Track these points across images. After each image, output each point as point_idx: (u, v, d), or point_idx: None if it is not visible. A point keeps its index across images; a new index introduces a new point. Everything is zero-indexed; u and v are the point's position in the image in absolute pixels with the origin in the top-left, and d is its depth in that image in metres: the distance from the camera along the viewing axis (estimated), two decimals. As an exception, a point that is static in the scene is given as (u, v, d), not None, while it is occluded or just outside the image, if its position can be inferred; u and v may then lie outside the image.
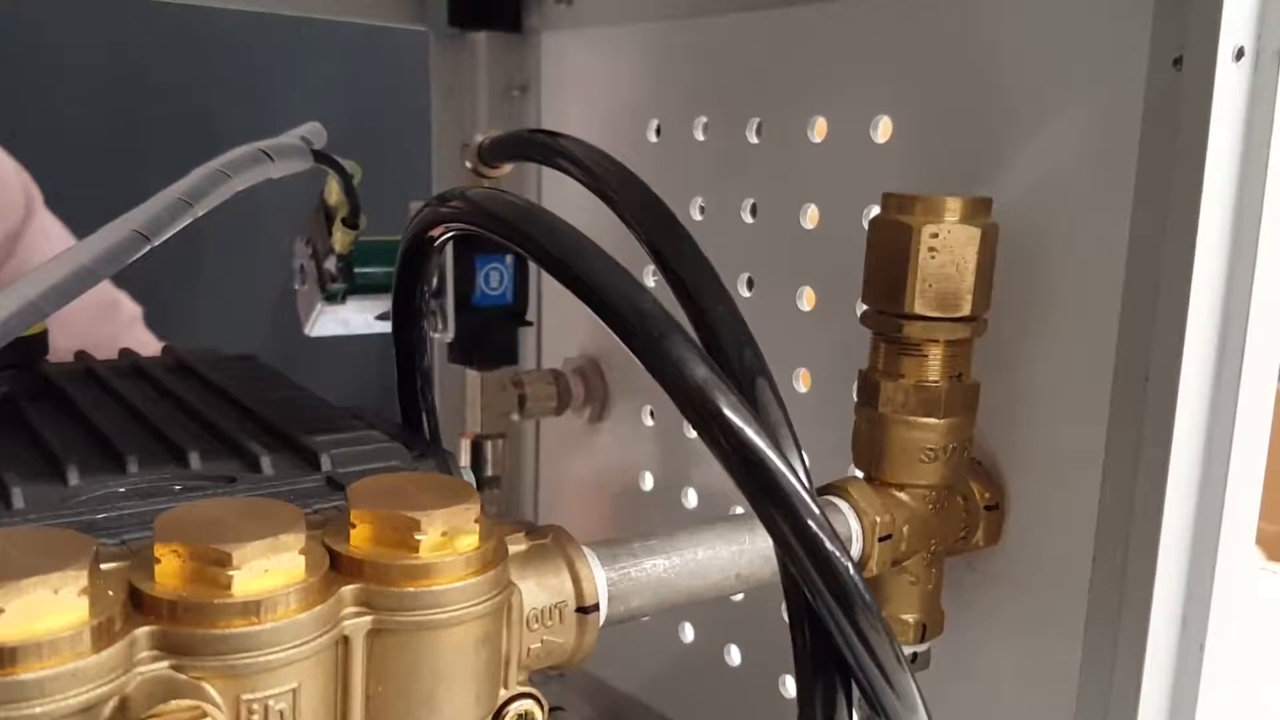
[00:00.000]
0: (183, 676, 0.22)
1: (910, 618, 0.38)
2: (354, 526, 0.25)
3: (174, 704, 0.21)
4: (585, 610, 0.28)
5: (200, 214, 0.34)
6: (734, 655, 0.52)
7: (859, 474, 0.39)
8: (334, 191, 0.48)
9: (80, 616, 0.21)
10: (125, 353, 0.46)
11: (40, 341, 0.42)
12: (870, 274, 0.38)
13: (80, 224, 0.92)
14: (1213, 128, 0.32)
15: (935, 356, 0.37)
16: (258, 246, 0.87)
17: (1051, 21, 0.37)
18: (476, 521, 0.26)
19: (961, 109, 0.40)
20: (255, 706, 0.23)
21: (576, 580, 0.28)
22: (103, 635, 0.21)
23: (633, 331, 0.26)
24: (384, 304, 0.47)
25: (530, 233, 0.28)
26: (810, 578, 0.26)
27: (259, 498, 0.26)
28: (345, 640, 0.24)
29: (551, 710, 0.28)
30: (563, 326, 0.61)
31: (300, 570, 0.23)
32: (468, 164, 0.48)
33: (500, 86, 0.63)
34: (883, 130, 0.43)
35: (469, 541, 0.26)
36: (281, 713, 0.23)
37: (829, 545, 0.25)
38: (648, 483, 0.57)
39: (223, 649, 0.22)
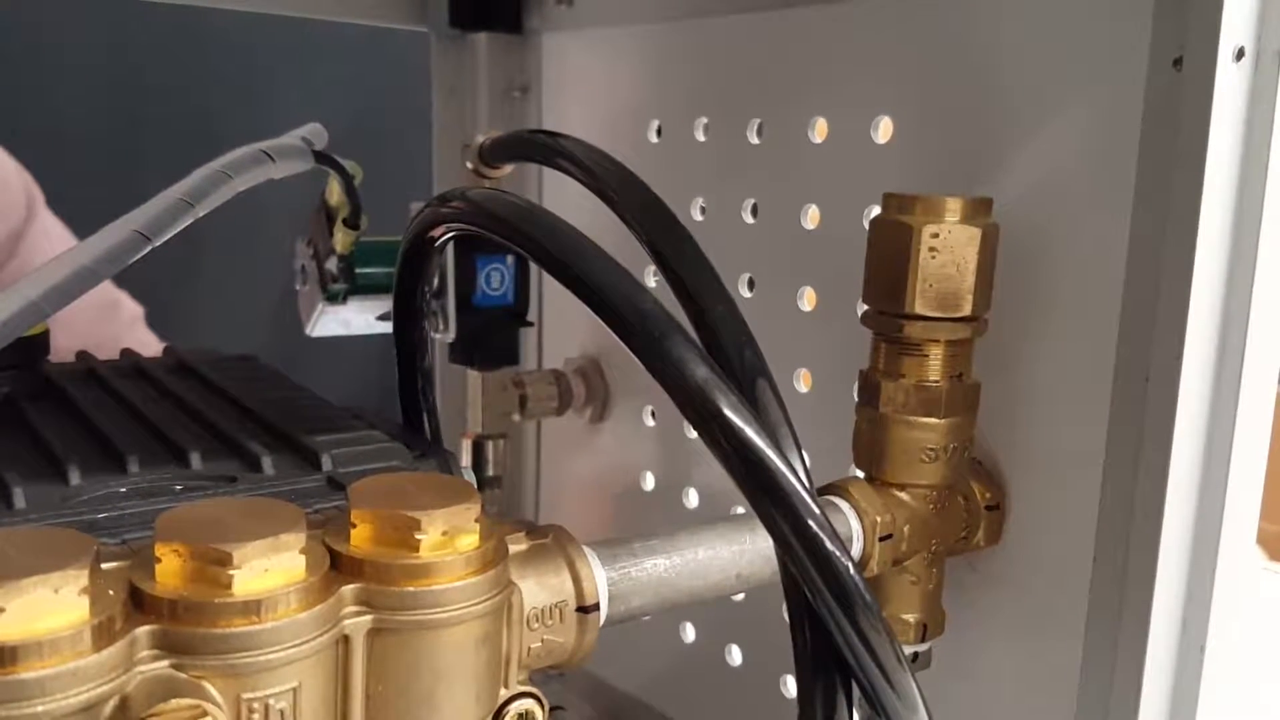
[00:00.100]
0: (183, 675, 0.22)
1: (911, 617, 0.38)
2: (354, 526, 0.25)
3: (174, 703, 0.21)
4: (585, 610, 0.28)
5: (201, 214, 0.34)
6: (735, 655, 0.52)
7: (860, 474, 0.39)
8: (335, 192, 0.48)
9: (81, 616, 0.21)
10: (126, 353, 0.46)
11: (41, 342, 0.42)
12: (871, 274, 0.38)
13: (81, 224, 0.92)
14: (1213, 128, 0.32)
15: (936, 356, 0.37)
16: (259, 247, 0.87)
17: (1052, 22, 0.37)
18: (477, 521, 0.26)
19: (962, 109, 0.40)
20: (256, 705, 0.23)
21: (577, 580, 0.28)
22: (103, 634, 0.21)
23: (633, 331, 0.26)
24: (385, 304, 0.47)
25: (531, 233, 0.28)
26: (810, 577, 0.26)
27: (260, 497, 0.26)
28: (345, 639, 0.24)
29: (552, 709, 0.28)
30: (564, 327, 0.61)
31: (301, 570, 0.23)
32: (468, 164, 0.48)
33: (501, 87, 0.63)
34: (883, 131, 0.43)
35: (469, 541, 0.26)
36: (282, 712, 0.23)
37: (829, 545, 0.25)
38: (648, 483, 0.57)
39: (223, 648, 0.22)
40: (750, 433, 0.25)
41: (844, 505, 0.36)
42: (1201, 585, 0.35)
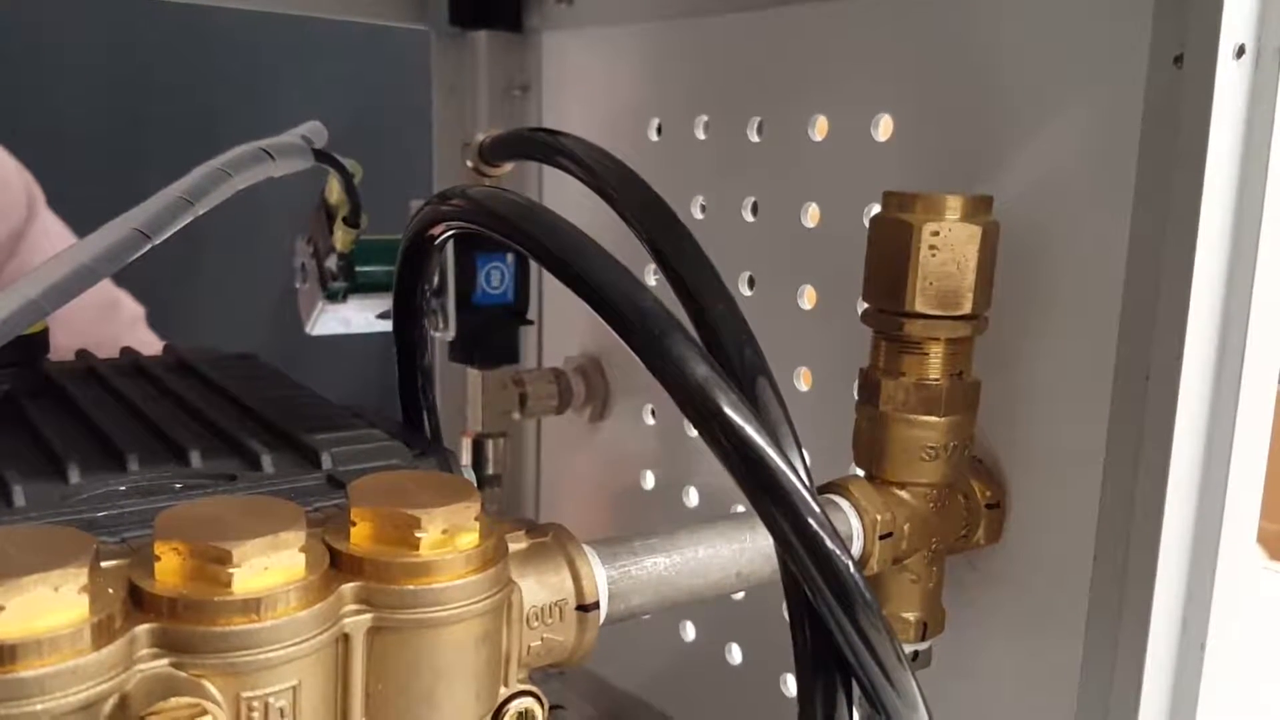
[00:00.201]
0: (183, 674, 0.22)
1: (911, 616, 0.38)
2: (354, 524, 0.25)
3: (174, 701, 0.21)
4: (585, 608, 0.28)
5: (201, 213, 0.34)
6: (735, 654, 0.52)
7: (860, 472, 0.39)
8: (335, 190, 0.48)
9: (81, 614, 0.21)
10: (126, 351, 0.46)
11: (41, 340, 0.42)
12: (871, 272, 0.38)
13: (82, 224, 0.92)
14: (1213, 126, 0.32)
15: (936, 355, 0.37)
16: (259, 245, 0.87)
17: (1052, 20, 0.37)
18: (477, 519, 0.26)
19: (962, 107, 0.40)
20: (255, 704, 0.23)
21: (577, 578, 0.28)
22: (103, 633, 0.21)
23: (633, 330, 0.26)
24: (385, 303, 0.47)
25: (531, 231, 0.28)
26: (810, 576, 0.26)
27: (259, 496, 0.26)
28: (345, 638, 0.24)
29: (552, 708, 0.28)
30: (564, 325, 0.61)
31: (300, 568, 0.23)
32: (469, 163, 0.48)
33: (501, 86, 0.63)
34: (883, 129, 0.43)
35: (469, 539, 0.26)
36: (282, 710, 0.23)
37: (829, 543, 0.25)
38: (649, 481, 0.57)
39: (223, 646, 0.22)
40: (750, 431, 0.25)
41: (844, 503, 0.36)
42: (1202, 584, 0.35)
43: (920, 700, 0.27)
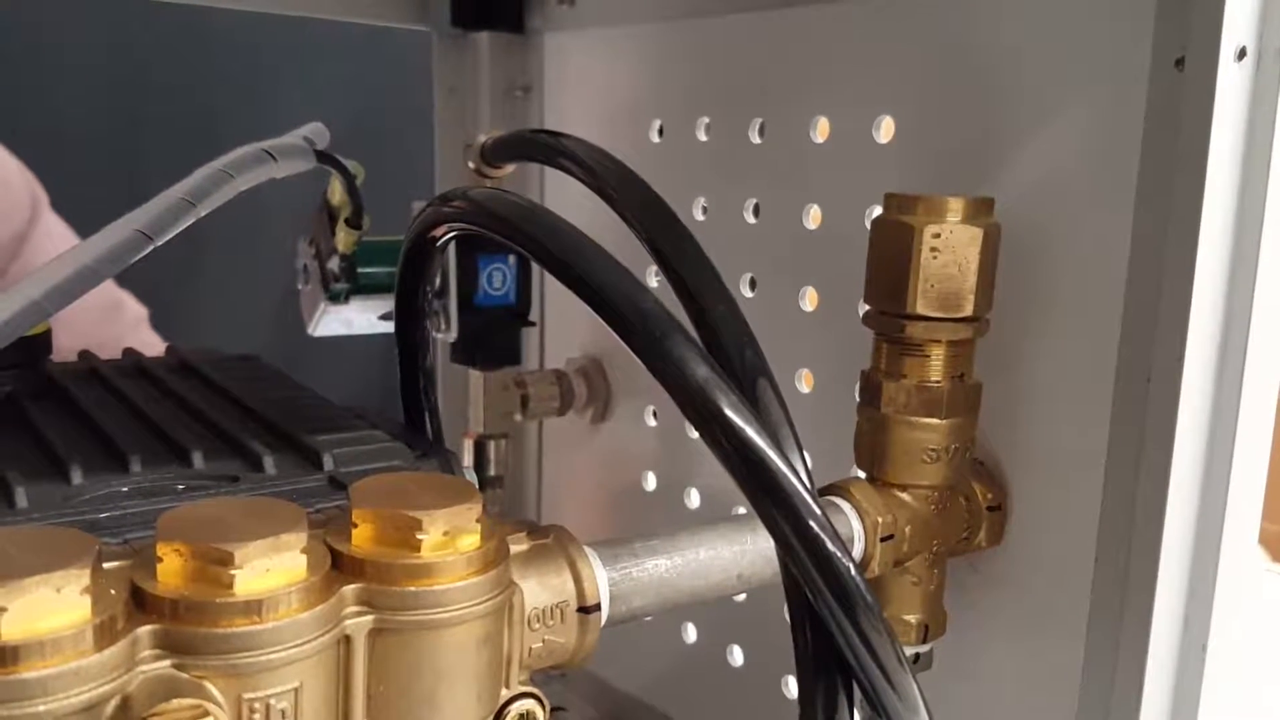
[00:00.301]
0: (185, 675, 0.22)
1: (912, 618, 0.38)
2: (356, 526, 0.25)
3: (176, 703, 0.21)
4: (587, 610, 0.28)
5: (203, 214, 0.34)
6: (736, 656, 0.52)
7: (861, 474, 0.39)
8: (337, 191, 0.48)
9: (83, 615, 0.21)
10: (129, 352, 0.46)
11: (44, 341, 0.42)
12: (872, 274, 0.38)
13: (82, 224, 0.92)
14: (1215, 128, 0.32)
15: (937, 357, 0.37)
16: (261, 247, 0.87)
17: (1053, 21, 0.37)
18: (478, 521, 0.26)
19: (963, 109, 0.40)
20: (257, 705, 0.23)
21: (578, 580, 0.28)
22: (105, 634, 0.21)
23: (634, 331, 0.26)
24: (387, 304, 0.47)
25: (532, 233, 0.28)
26: (811, 578, 0.26)
27: (261, 497, 0.26)
28: (347, 639, 0.24)
29: (553, 710, 0.28)
30: (565, 327, 0.61)
31: (302, 569, 0.23)
32: (470, 164, 0.48)
33: (502, 87, 0.63)
34: (885, 130, 0.43)
35: (471, 541, 0.26)
36: (283, 712, 0.23)
37: (830, 546, 0.25)
38: (650, 483, 0.57)
39: (224, 648, 0.22)
40: (751, 433, 0.25)
41: (845, 506, 0.36)
42: (1203, 585, 0.35)
43: (921, 702, 0.27)
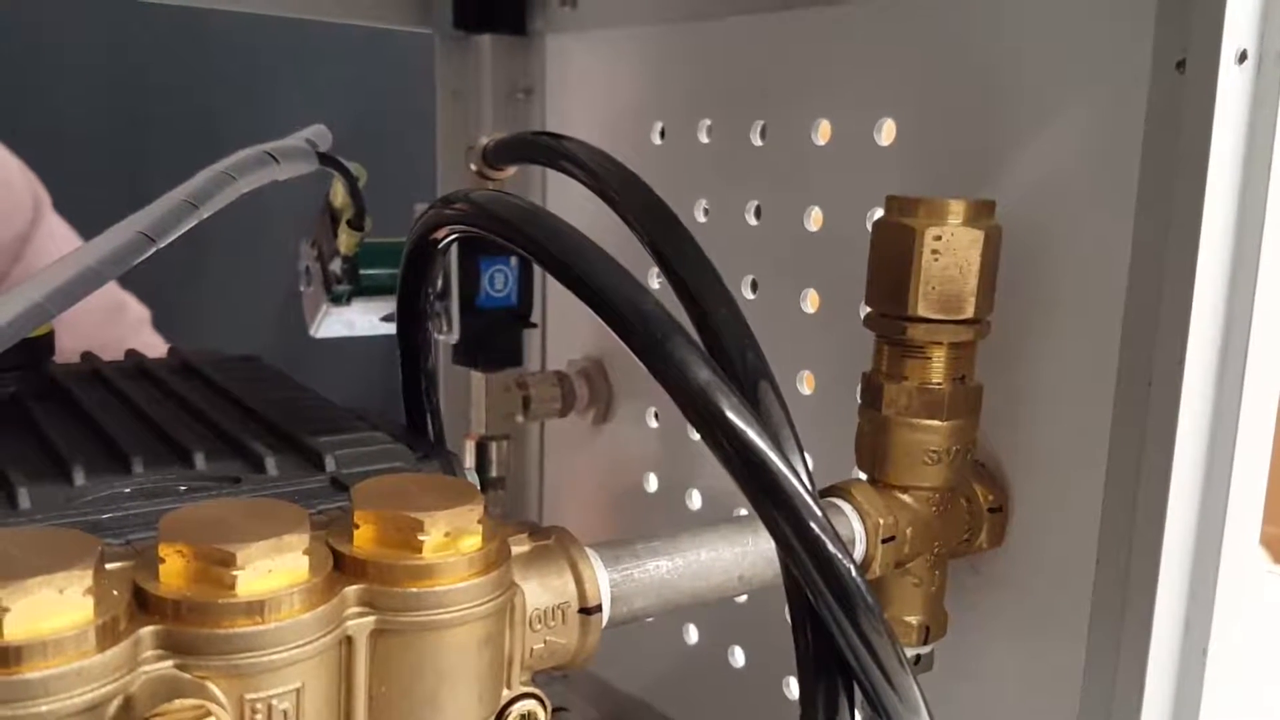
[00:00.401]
0: (187, 676, 0.22)
1: (913, 620, 0.38)
2: (358, 527, 0.25)
3: (178, 703, 0.21)
4: (588, 611, 0.28)
5: (206, 216, 0.34)
6: (738, 657, 0.52)
7: (862, 476, 0.39)
8: (339, 193, 0.49)
9: (85, 616, 0.21)
10: (131, 354, 0.46)
11: (46, 342, 0.42)
12: (873, 276, 0.38)
13: (83, 225, 0.93)
14: (1215, 131, 0.32)
15: (938, 359, 0.37)
16: (263, 249, 0.87)
17: (1054, 24, 0.37)
18: (480, 522, 0.26)
19: (964, 111, 0.40)
20: (259, 706, 0.23)
21: (579, 581, 0.28)
22: (107, 635, 0.21)
23: (634, 333, 0.26)
24: (389, 306, 0.47)
25: (534, 235, 0.28)
26: (812, 580, 0.26)
27: (263, 498, 0.26)
28: (349, 640, 0.24)
29: (555, 711, 0.28)
30: (567, 328, 0.61)
31: (304, 570, 0.23)
32: (472, 166, 0.48)
33: (504, 89, 0.63)
34: (886, 133, 0.43)
35: (472, 542, 0.26)
36: (285, 712, 0.23)
37: (831, 547, 0.25)
38: (652, 484, 0.57)
39: (227, 649, 0.22)
40: (752, 435, 0.25)
41: (846, 507, 0.36)
42: (1204, 587, 0.35)
43: (922, 703, 0.27)
